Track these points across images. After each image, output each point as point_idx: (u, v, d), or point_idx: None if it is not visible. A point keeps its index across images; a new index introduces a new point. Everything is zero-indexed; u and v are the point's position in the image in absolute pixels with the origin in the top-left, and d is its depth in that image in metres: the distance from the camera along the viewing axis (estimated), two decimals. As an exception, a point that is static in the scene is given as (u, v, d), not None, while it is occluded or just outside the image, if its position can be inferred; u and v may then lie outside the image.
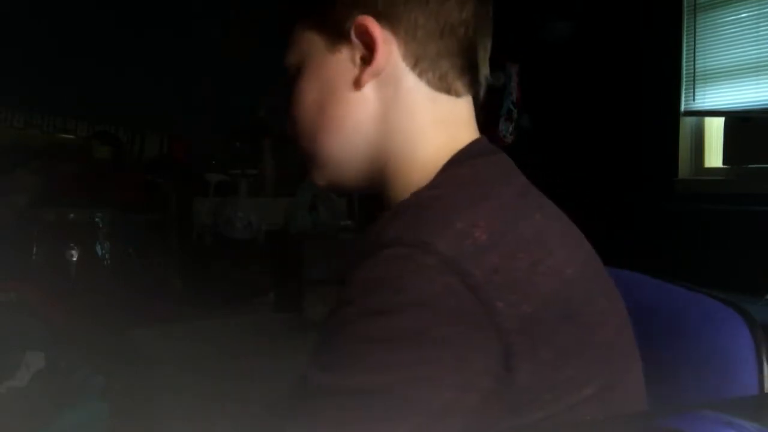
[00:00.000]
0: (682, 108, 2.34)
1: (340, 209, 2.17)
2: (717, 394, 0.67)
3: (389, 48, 0.61)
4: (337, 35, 0.63)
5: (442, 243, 0.49)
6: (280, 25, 0.69)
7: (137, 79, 2.28)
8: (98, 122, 2.13)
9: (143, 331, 1.63)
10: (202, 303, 1.79)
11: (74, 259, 1.75)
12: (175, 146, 2.21)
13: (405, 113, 0.63)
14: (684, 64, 2.33)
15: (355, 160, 0.66)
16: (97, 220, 1.80)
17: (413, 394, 0.47)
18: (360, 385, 0.48)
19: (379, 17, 0.61)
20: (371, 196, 0.72)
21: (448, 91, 0.64)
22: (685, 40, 2.32)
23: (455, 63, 0.63)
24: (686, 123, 2.35)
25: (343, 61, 0.63)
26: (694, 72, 2.31)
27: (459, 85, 0.64)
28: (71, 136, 2.09)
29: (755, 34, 2.13)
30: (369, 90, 0.63)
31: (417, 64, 0.62)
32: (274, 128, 2.19)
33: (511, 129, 2.57)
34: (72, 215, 1.79)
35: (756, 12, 2.12)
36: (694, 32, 2.30)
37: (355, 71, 0.63)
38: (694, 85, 2.31)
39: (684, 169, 2.35)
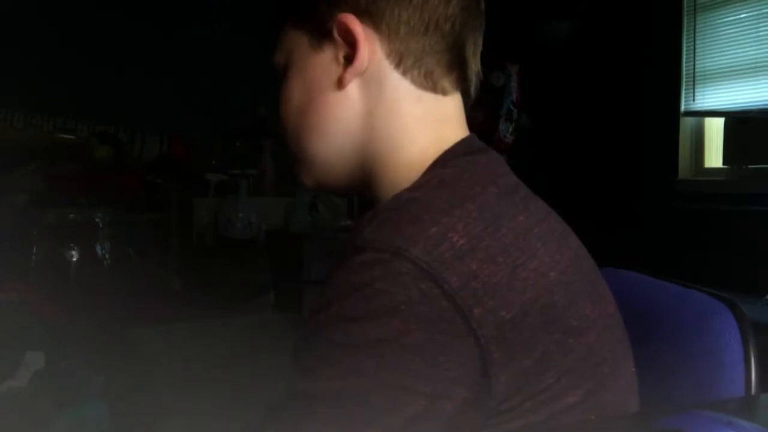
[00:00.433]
0: (682, 108, 2.34)
1: (340, 209, 2.17)
2: (710, 389, 0.67)
3: (372, 46, 0.60)
4: (321, 34, 0.62)
5: (416, 248, 0.48)
6: (270, 24, 0.68)
7: (137, 79, 2.27)
8: (98, 122, 2.13)
9: (143, 331, 1.63)
10: (202, 303, 1.79)
11: (74, 259, 1.75)
12: (175, 146, 2.21)
13: (389, 113, 0.62)
14: (684, 64, 2.33)
15: (341, 161, 0.65)
16: (97, 220, 1.80)
17: (384, 401, 0.47)
18: (331, 391, 0.48)
19: (361, 15, 0.60)
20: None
21: (434, 89, 0.62)
22: (685, 41, 2.33)
23: (441, 60, 0.61)
24: (686, 123, 2.36)
25: (327, 60, 0.62)
26: (694, 72, 2.31)
27: (446, 82, 0.62)
28: (71, 136, 2.09)
29: (755, 35, 2.13)
30: (353, 89, 0.62)
31: (401, 62, 0.61)
32: (274, 128, 2.19)
33: (511, 129, 2.56)
34: (72, 215, 1.79)
35: (756, 12, 2.12)
36: (694, 32, 2.30)
37: (339, 70, 0.61)
38: (693, 85, 2.31)
39: (684, 169, 2.35)
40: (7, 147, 1.96)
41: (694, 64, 2.31)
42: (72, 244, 1.75)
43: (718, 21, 2.25)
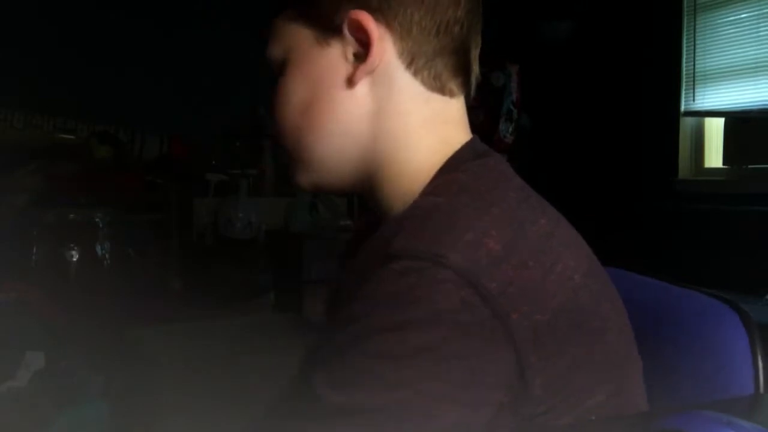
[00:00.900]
0: (682, 108, 2.34)
1: (340, 209, 2.17)
2: (713, 390, 0.67)
3: (383, 45, 0.59)
4: (327, 29, 0.59)
5: (455, 255, 0.48)
6: (264, 15, 0.65)
7: (137, 79, 2.28)
8: (98, 122, 2.13)
9: (143, 331, 1.63)
10: (202, 303, 1.79)
11: (74, 259, 1.75)
12: (175, 146, 2.21)
13: (398, 113, 0.60)
14: (684, 64, 2.33)
15: (343, 162, 0.62)
16: (97, 220, 1.80)
17: (424, 411, 0.46)
18: (374, 404, 0.47)
19: (374, 12, 0.58)
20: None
21: (442, 90, 0.61)
22: (685, 41, 2.33)
23: (449, 62, 0.61)
24: (686, 123, 2.36)
25: (334, 56, 0.60)
26: (694, 72, 2.31)
27: (453, 84, 0.62)
28: (71, 136, 2.09)
29: (755, 35, 2.13)
30: (361, 88, 0.60)
31: (412, 62, 0.60)
32: (274, 128, 2.19)
33: (511, 129, 2.56)
34: (72, 215, 1.79)
35: (756, 12, 2.12)
36: (694, 33, 2.30)
37: (347, 68, 0.59)
38: (694, 85, 2.31)
39: (684, 169, 2.35)
40: (7, 147, 1.96)
41: (694, 64, 2.31)
42: (72, 244, 1.75)
43: (718, 21, 2.25)
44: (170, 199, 2.05)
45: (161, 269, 1.97)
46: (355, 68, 0.59)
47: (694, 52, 2.30)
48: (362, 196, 0.66)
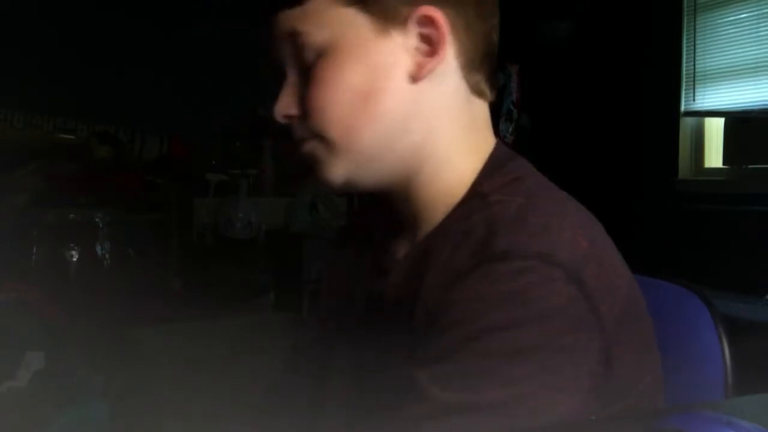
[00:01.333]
0: (682, 108, 2.34)
1: (340, 209, 2.17)
2: (681, 379, 0.69)
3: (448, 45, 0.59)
4: (390, 19, 0.58)
5: (562, 253, 0.51)
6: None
7: (137, 79, 2.28)
8: (98, 122, 2.13)
9: (143, 331, 1.63)
10: (202, 303, 1.80)
11: (74, 259, 1.75)
12: (175, 146, 2.21)
13: (448, 114, 0.61)
14: (684, 64, 2.33)
15: (388, 157, 0.61)
16: (97, 220, 1.80)
17: (542, 404, 0.49)
18: (492, 400, 0.49)
19: (443, 9, 0.58)
20: (371, 196, 0.69)
21: (480, 93, 0.63)
22: (685, 41, 2.32)
23: (488, 67, 0.63)
24: (686, 123, 2.35)
25: (396, 48, 0.58)
26: (694, 72, 2.31)
27: (487, 88, 0.64)
28: (71, 136, 2.09)
29: (755, 35, 2.13)
30: (422, 85, 0.59)
31: (467, 64, 0.61)
32: (274, 128, 2.19)
33: (511, 129, 2.56)
34: (72, 215, 1.79)
35: (756, 12, 2.12)
36: (694, 32, 2.30)
37: (410, 62, 0.58)
38: (694, 85, 2.31)
39: (684, 169, 2.35)
40: (7, 147, 1.96)
41: (694, 64, 2.31)
42: (72, 244, 1.75)
43: (718, 21, 2.25)
44: (170, 199, 2.05)
45: (161, 269, 1.97)
46: (420, 63, 0.59)
47: (694, 52, 2.30)
48: (390, 195, 0.64)
